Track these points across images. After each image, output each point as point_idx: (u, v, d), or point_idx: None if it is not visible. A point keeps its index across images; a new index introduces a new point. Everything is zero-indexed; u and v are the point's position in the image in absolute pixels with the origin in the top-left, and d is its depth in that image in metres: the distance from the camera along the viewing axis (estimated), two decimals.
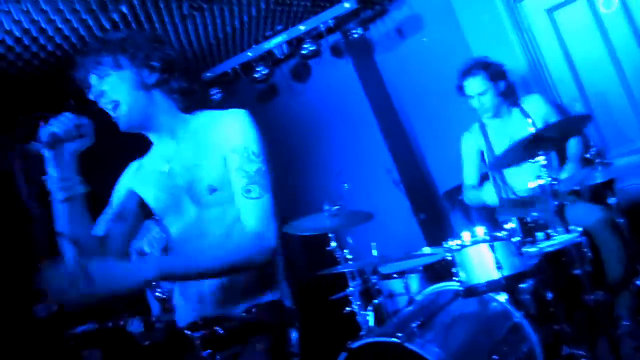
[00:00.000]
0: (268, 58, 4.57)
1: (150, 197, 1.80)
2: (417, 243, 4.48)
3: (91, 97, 1.68)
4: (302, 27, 4.38)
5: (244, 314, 1.63)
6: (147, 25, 3.45)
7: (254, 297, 1.65)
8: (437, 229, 4.75)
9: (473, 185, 3.54)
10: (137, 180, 1.84)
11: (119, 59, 1.66)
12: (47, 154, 1.62)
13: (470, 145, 3.50)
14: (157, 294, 3.63)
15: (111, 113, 1.68)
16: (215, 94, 4.61)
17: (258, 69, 4.55)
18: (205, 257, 1.55)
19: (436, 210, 4.79)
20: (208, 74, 4.59)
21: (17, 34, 3.03)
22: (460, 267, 2.53)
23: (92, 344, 3.31)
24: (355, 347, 2.54)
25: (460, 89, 3.39)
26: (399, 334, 2.39)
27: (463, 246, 2.49)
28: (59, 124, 1.61)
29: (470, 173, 3.54)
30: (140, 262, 1.50)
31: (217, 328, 1.62)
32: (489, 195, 3.41)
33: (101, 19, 3.10)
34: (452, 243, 2.52)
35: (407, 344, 2.36)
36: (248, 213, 1.60)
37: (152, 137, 1.80)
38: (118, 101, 1.66)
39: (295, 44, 4.52)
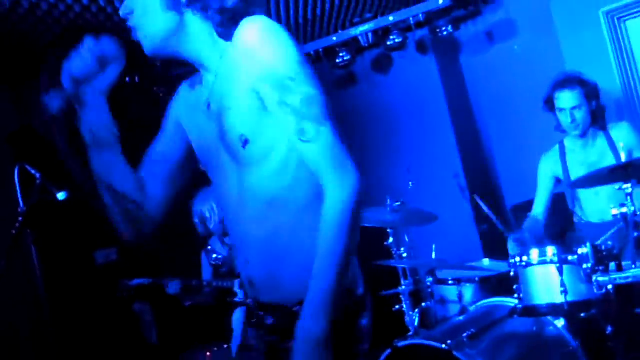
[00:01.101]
0: (352, 45, 4.54)
1: (194, 140, 1.49)
2: (474, 253, 4.38)
3: (121, 14, 1.40)
4: (391, 18, 4.32)
5: (296, 309, 1.28)
6: None
7: (308, 286, 1.27)
8: (497, 242, 4.62)
9: (536, 216, 3.41)
10: (185, 110, 1.51)
11: None
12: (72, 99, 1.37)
13: (547, 170, 3.37)
14: (212, 259, 3.68)
15: (134, 36, 1.40)
16: None
17: (340, 55, 4.52)
18: (329, 253, 1.22)
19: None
20: None
21: None
22: (523, 284, 2.44)
23: (143, 297, 3.41)
24: (401, 346, 2.51)
25: (549, 101, 3.24)
26: (449, 341, 2.34)
27: (529, 264, 2.40)
28: (77, 62, 1.35)
29: (539, 199, 3.41)
30: (306, 322, 1.21)
31: (268, 317, 1.41)
32: (511, 247, 3.22)
33: None
34: (518, 259, 2.43)
35: (455, 352, 2.31)
36: (315, 162, 1.26)
37: (195, 66, 1.47)
38: (143, 23, 1.37)
39: (381, 34, 4.47)
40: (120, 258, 4.10)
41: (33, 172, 2.77)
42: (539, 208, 3.43)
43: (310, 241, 1.26)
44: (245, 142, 1.30)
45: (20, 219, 2.47)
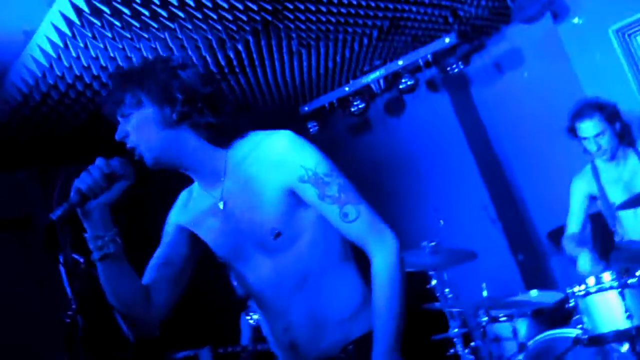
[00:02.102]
0: (365, 92, 4.60)
1: (210, 240, 1.60)
2: (514, 284, 4.31)
3: (117, 137, 1.52)
4: (400, 62, 4.39)
5: (341, 355, 1.49)
6: (258, 61, 3.55)
7: (349, 331, 1.50)
8: (536, 271, 4.57)
9: (573, 234, 3.35)
10: (189, 216, 1.62)
11: (139, 96, 1.47)
12: (78, 212, 1.46)
13: (581, 190, 3.34)
14: (250, 320, 3.63)
15: (135, 154, 1.51)
16: (312, 127, 4.67)
17: (355, 103, 4.58)
18: (388, 311, 1.42)
19: (535, 252, 4.61)
20: (305, 109, 4.67)
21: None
22: (585, 313, 2.39)
23: None
24: None
25: (572, 130, 3.24)
26: None
27: (589, 292, 2.36)
28: (84, 179, 1.43)
29: (574, 220, 3.35)
30: None
31: None
32: (584, 262, 3.01)
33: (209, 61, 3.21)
34: (576, 288, 2.39)
35: None
36: (360, 237, 1.46)
37: (192, 175, 1.59)
38: (139, 143, 1.49)
39: (392, 78, 4.53)
40: (160, 330, 4.05)
41: (77, 257, 2.78)
42: (574, 228, 3.36)
43: (343, 293, 1.52)
44: (277, 234, 1.48)
45: (73, 307, 2.44)
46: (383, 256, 1.44)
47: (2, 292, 3.82)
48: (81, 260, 2.80)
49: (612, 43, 3.73)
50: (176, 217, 1.64)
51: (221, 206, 1.52)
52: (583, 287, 2.38)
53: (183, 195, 1.67)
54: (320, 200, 1.45)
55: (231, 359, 3.34)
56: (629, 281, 2.29)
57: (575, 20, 3.84)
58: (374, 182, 4.92)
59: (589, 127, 3.10)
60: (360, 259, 1.58)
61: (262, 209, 1.47)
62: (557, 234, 3.96)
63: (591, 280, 2.37)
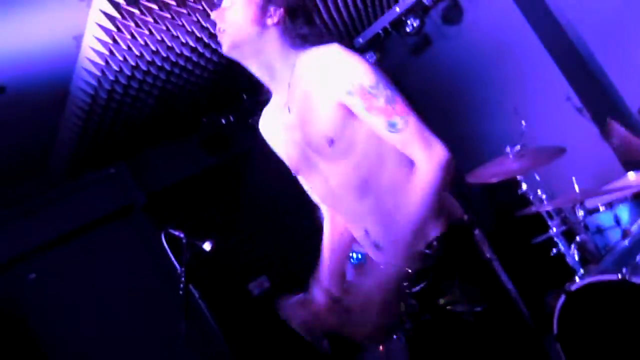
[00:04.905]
0: (417, 8, 4.42)
1: (283, 152, 1.75)
2: (613, 170, 4.11)
3: (213, 17, 1.63)
4: None
5: (427, 251, 1.58)
6: None
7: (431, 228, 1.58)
8: (633, 152, 4.30)
9: None
10: (270, 131, 1.77)
11: None
12: None
13: None
14: (351, 260, 3.74)
15: (218, 33, 1.62)
16: (370, 58, 4.58)
17: (409, 22, 4.43)
18: (412, 214, 1.49)
19: (628, 131, 4.33)
20: (360, 40, 4.57)
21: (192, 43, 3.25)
22: None
23: None
24: (574, 290, 2.41)
25: None
26: (624, 269, 2.22)
27: None
28: None
29: None
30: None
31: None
32: None
33: None
34: None
35: (635, 279, 2.19)
36: (407, 146, 1.51)
37: (262, 77, 1.67)
38: (229, 25, 1.59)
39: None
40: (272, 284, 4.28)
41: (177, 233, 2.98)
42: None
43: (404, 201, 1.54)
44: (331, 142, 1.55)
45: (182, 279, 2.65)
46: (428, 166, 1.49)
47: (125, 271, 4.18)
48: (181, 235, 3.01)
49: None
50: (264, 133, 1.80)
51: (287, 119, 1.64)
52: None
53: (264, 112, 1.80)
54: (368, 112, 1.50)
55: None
56: None
57: None
58: (445, 97, 4.78)
59: None
60: None
61: (318, 120, 1.56)
62: None
63: None
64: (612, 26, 4.05)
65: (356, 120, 1.54)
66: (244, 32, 1.58)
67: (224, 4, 1.62)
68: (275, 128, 1.73)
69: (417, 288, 1.56)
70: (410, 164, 1.54)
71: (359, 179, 1.58)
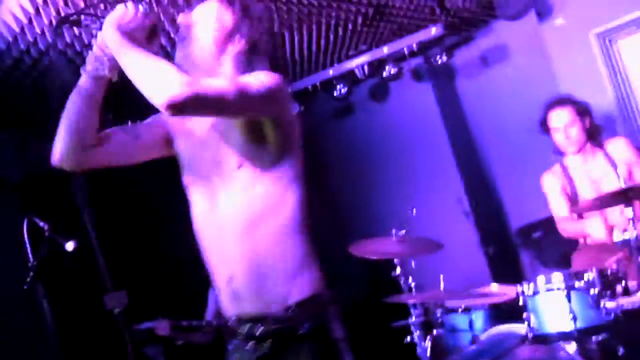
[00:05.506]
0: (348, 77, 4.60)
1: (183, 152, 1.69)
2: (482, 277, 4.37)
3: (181, 16, 1.65)
4: (385, 49, 4.39)
5: (284, 314, 1.52)
6: None
7: (291, 289, 1.53)
8: (505, 264, 4.62)
9: (566, 216, 3.35)
10: (176, 121, 1.68)
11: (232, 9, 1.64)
12: None
13: (554, 184, 3.38)
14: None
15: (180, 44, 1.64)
16: (294, 107, 4.68)
17: (338, 87, 4.59)
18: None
19: (505, 246, 4.66)
20: (288, 90, 4.66)
21: None
22: (532, 312, 2.45)
23: (155, 340, 3.40)
24: None
25: (544, 123, 3.31)
26: None
27: (537, 292, 2.41)
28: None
29: (560, 205, 3.36)
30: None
31: (257, 327, 1.53)
32: (595, 228, 3.09)
33: None
34: (526, 287, 2.44)
35: None
36: None
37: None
38: (191, 39, 1.62)
39: (377, 65, 4.53)
40: (129, 301, 4.09)
41: (41, 224, 2.80)
42: (564, 211, 3.27)
43: (289, 251, 1.53)
44: (240, 165, 1.53)
45: (31, 273, 2.49)
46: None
47: None
48: (45, 227, 2.82)
49: (592, 46, 3.75)
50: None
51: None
52: (532, 285, 2.43)
53: None
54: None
55: (187, 331, 3.39)
56: (576, 284, 2.34)
57: (558, 21, 3.85)
58: (352, 165, 4.95)
59: (560, 117, 3.19)
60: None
61: (233, 139, 1.54)
62: (525, 230, 4.03)
63: (540, 280, 2.42)
64: (514, 148, 4.41)
65: (270, 146, 1.53)
66: (205, 49, 1.60)
67: (194, 17, 1.64)
68: (183, 125, 1.66)
69: (260, 353, 1.53)
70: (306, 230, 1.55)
71: (252, 215, 1.53)
